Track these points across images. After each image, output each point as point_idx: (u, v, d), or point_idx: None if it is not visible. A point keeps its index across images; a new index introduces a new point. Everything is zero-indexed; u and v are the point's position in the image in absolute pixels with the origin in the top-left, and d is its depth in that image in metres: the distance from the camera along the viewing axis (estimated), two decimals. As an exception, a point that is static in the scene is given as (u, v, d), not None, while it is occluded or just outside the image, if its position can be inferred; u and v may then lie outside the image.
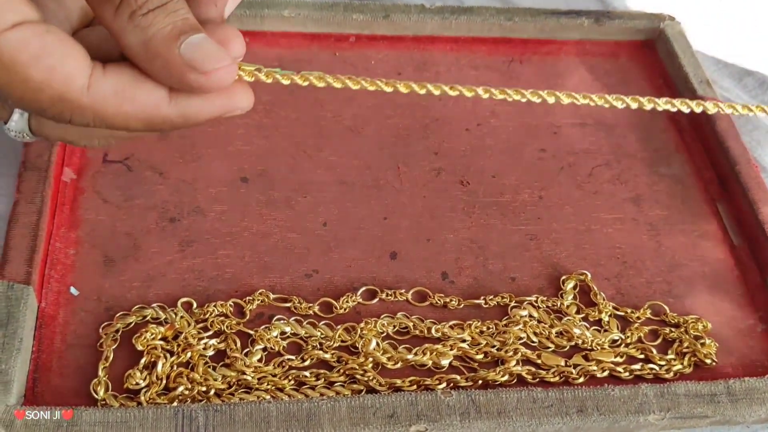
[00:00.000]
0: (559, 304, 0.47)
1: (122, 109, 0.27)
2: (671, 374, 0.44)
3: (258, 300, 0.45)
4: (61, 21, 0.32)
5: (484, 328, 0.45)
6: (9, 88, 0.25)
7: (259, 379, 0.42)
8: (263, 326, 0.44)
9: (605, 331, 0.46)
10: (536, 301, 0.47)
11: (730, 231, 0.52)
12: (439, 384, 0.42)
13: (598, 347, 0.45)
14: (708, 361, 0.45)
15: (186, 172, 0.51)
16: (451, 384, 0.42)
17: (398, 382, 0.42)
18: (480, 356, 0.44)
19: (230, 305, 0.44)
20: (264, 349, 0.43)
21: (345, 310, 0.45)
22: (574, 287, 0.48)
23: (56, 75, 0.25)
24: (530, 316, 0.46)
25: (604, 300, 0.47)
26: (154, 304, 0.44)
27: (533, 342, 0.45)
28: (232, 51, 0.29)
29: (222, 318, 0.44)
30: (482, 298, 0.46)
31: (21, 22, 0.25)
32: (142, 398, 0.40)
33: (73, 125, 0.28)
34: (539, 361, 0.44)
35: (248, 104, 0.30)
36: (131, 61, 0.28)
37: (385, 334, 0.45)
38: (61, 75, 0.25)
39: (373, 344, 0.43)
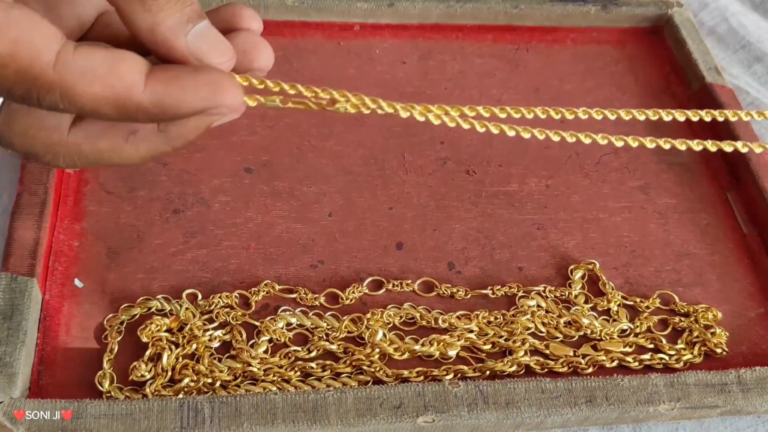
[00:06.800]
0: (567, 293, 0.46)
1: (91, 89, 0.26)
2: (681, 364, 0.44)
3: (263, 291, 0.44)
4: (71, 23, 0.31)
5: (492, 319, 0.45)
6: None
7: (265, 370, 0.41)
8: (269, 317, 0.43)
9: (614, 320, 0.45)
10: (544, 291, 0.46)
11: (739, 219, 0.51)
12: (447, 375, 0.42)
13: (607, 337, 0.44)
14: (718, 350, 0.44)
15: (189, 163, 0.50)
16: (459, 375, 0.42)
17: (405, 372, 0.42)
18: (487, 347, 0.44)
19: (235, 296, 0.44)
20: (270, 341, 0.43)
21: (351, 300, 0.45)
22: (583, 277, 0.47)
23: (21, 47, 0.25)
24: (538, 306, 0.46)
25: (612, 289, 0.47)
26: (159, 296, 0.44)
27: (541, 332, 0.45)
28: (256, 61, 0.29)
29: (227, 309, 0.43)
30: (489, 288, 0.46)
31: None
32: (148, 390, 0.40)
33: (42, 109, 0.26)
34: (547, 352, 0.44)
35: (236, 103, 0.28)
36: (140, 42, 0.27)
37: (391, 324, 0.44)
38: (26, 47, 0.25)
39: (380, 335, 0.43)
